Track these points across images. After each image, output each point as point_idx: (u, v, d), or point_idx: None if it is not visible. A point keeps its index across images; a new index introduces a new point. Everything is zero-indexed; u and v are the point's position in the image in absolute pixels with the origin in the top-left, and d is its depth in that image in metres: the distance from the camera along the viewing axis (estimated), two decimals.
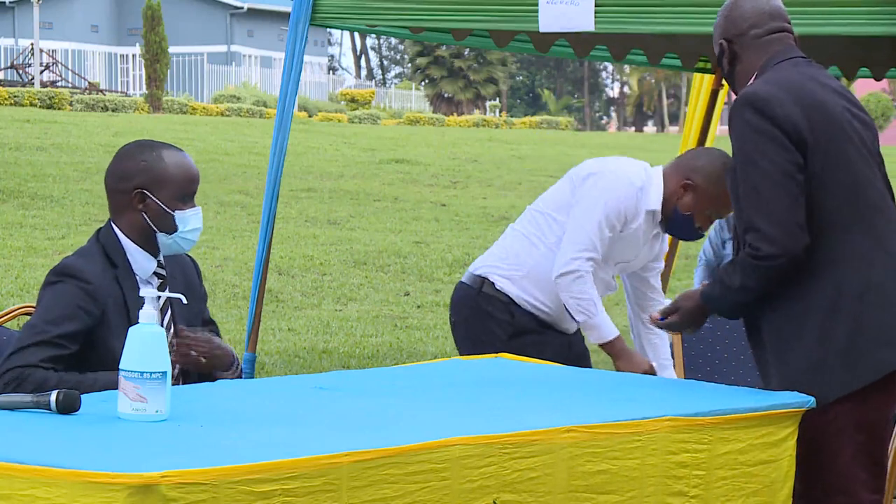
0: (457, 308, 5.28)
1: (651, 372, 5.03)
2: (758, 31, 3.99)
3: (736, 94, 4.03)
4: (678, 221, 5.09)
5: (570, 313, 5.09)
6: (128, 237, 3.97)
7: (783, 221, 3.76)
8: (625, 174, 5.11)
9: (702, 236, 5.24)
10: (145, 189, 3.94)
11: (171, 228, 3.96)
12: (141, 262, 3.98)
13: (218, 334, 4.20)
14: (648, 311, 5.16)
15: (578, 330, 5.35)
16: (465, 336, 5.23)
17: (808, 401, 3.77)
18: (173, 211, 3.95)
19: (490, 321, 5.14)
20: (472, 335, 5.20)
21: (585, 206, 5.03)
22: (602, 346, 5.07)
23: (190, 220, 3.98)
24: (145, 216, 3.95)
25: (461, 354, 5.17)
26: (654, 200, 5.08)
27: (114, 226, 3.99)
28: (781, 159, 3.77)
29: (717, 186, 4.94)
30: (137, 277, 3.97)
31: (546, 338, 5.16)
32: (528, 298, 5.15)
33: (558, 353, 5.11)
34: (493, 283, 5.15)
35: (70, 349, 3.81)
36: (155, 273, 4.01)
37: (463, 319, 5.25)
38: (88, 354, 3.85)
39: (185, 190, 3.97)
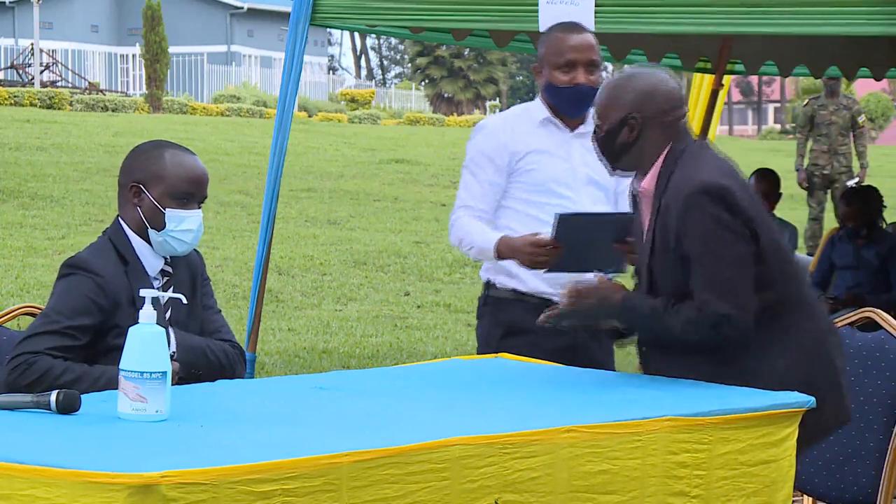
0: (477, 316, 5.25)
1: (536, 243, 4.66)
2: (672, 116, 4.14)
3: (616, 168, 4.21)
4: (550, 97, 4.94)
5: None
6: (134, 233, 4.01)
7: (746, 308, 3.94)
8: (484, 123, 5.05)
9: (581, 90, 4.84)
10: (141, 184, 3.99)
11: (161, 225, 3.98)
12: (149, 259, 4.02)
13: (218, 310, 4.22)
14: None
15: (596, 339, 4.99)
16: (479, 344, 5.17)
17: (808, 401, 3.77)
18: (165, 208, 3.97)
19: (490, 321, 5.07)
20: (479, 337, 5.16)
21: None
22: (499, 259, 4.84)
23: (183, 221, 3.99)
24: (140, 211, 3.98)
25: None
26: (539, 112, 4.97)
27: (121, 221, 4.03)
28: (745, 251, 3.97)
29: (544, 44, 4.94)
30: (149, 275, 4.00)
31: (538, 339, 4.87)
32: (530, 281, 4.95)
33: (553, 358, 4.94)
34: (494, 284, 5.06)
35: (80, 340, 3.84)
36: (162, 271, 4.04)
37: (477, 328, 5.20)
38: (97, 347, 3.87)
39: (179, 189, 3.99)
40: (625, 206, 4.76)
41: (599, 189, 4.98)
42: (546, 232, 4.69)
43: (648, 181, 4.14)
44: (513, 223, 4.91)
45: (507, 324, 5.00)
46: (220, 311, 4.26)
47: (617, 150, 4.17)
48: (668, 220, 4.02)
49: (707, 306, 3.94)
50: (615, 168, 4.25)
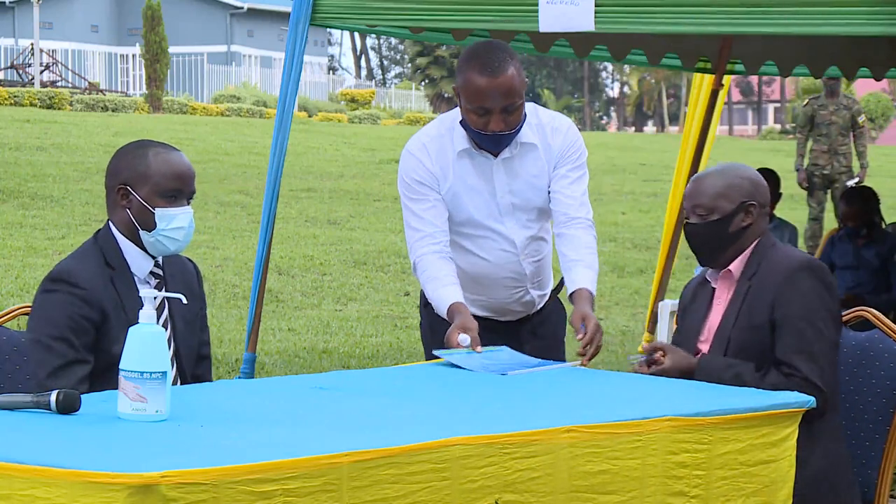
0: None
1: (468, 331, 4.36)
2: (769, 207, 4.43)
3: (715, 263, 4.32)
4: (467, 132, 4.62)
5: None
6: (123, 235, 3.98)
7: (829, 385, 4.12)
8: (407, 150, 4.73)
9: (495, 137, 4.55)
10: (128, 185, 3.95)
11: (151, 226, 3.95)
12: (138, 261, 3.98)
13: (208, 343, 4.21)
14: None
15: (544, 344, 4.91)
16: (423, 342, 5.05)
17: (808, 401, 3.78)
18: (154, 208, 3.94)
19: (431, 336, 4.90)
20: (425, 344, 5.01)
21: None
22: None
23: (174, 219, 3.95)
24: (129, 213, 3.95)
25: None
26: (461, 140, 4.66)
27: (111, 225, 4.00)
28: (836, 334, 4.20)
29: (460, 78, 4.57)
30: (136, 278, 3.97)
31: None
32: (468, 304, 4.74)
33: None
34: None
35: (90, 360, 3.82)
36: (152, 272, 4.01)
37: (420, 324, 5.08)
38: (99, 362, 3.85)
39: (166, 187, 3.94)
40: (576, 220, 4.68)
41: (524, 212, 4.74)
42: (482, 261, 4.71)
43: (736, 266, 4.30)
44: (456, 254, 4.74)
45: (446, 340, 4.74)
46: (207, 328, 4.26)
47: (725, 239, 4.30)
48: (760, 295, 4.19)
49: (797, 371, 4.08)
50: (714, 264, 4.35)
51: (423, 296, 4.92)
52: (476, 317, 4.63)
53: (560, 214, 4.70)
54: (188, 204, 4.01)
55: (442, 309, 4.56)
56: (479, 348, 4.31)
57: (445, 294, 4.56)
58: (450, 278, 4.61)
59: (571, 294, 4.55)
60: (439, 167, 4.67)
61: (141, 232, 3.95)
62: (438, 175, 4.67)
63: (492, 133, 4.56)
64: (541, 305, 4.87)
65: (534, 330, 4.82)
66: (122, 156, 4.02)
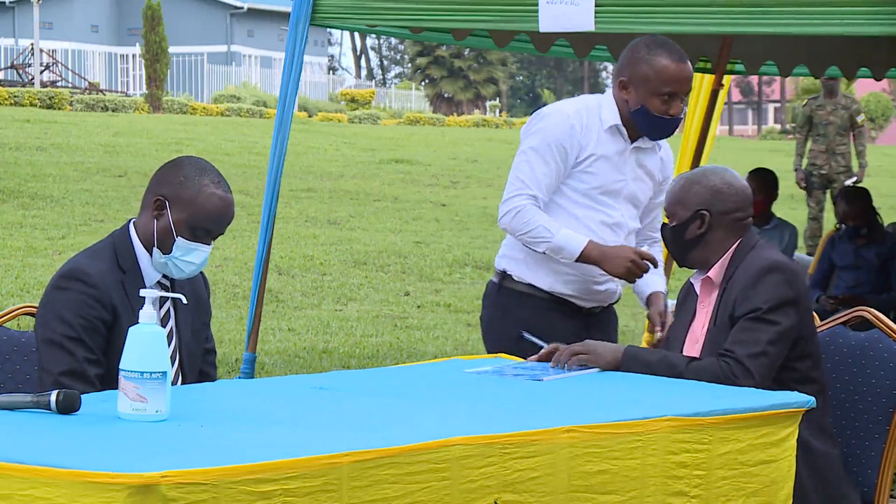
0: (482, 303, 5.17)
1: (635, 258, 4.79)
2: (741, 215, 4.38)
3: (686, 262, 4.42)
4: (638, 119, 4.85)
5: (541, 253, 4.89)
6: (139, 240, 3.96)
7: (763, 377, 4.10)
8: (556, 110, 4.93)
9: (674, 121, 4.82)
10: (167, 201, 3.93)
11: (167, 249, 3.93)
12: (148, 269, 3.97)
13: (214, 351, 4.21)
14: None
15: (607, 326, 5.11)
16: (486, 333, 5.11)
17: (808, 401, 3.78)
18: (177, 235, 3.92)
19: (503, 315, 5.01)
20: (492, 331, 5.08)
21: (518, 153, 4.92)
22: (579, 260, 4.83)
23: (190, 253, 3.94)
24: (154, 224, 3.94)
25: (487, 350, 5.02)
26: (610, 116, 4.87)
27: (131, 227, 3.99)
28: (790, 330, 4.17)
29: (647, 66, 4.80)
30: (146, 285, 3.96)
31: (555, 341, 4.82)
32: (548, 279, 4.94)
33: None
34: (511, 276, 5.00)
35: (104, 362, 3.81)
36: (159, 282, 4.00)
37: (484, 316, 5.13)
38: (112, 360, 3.85)
39: (200, 225, 3.93)
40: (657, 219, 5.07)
41: (636, 206, 5.02)
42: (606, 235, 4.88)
43: (716, 272, 4.34)
44: (556, 219, 4.87)
45: (524, 322, 4.89)
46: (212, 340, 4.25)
47: (685, 244, 4.37)
48: (731, 294, 4.23)
49: (731, 353, 4.10)
50: (684, 262, 4.43)
51: (497, 284, 5.03)
52: (555, 298, 4.93)
53: (649, 237, 5.11)
54: (211, 243, 3.98)
55: (576, 245, 4.79)
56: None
57: (572, 234, 4.81)
58: (569, 230, 4.84)
59: (649, 296, 4.94)
60: (586, 134, 4.87)
61: (154, 248, 3.94)
62: (583, 143, 4.86)
63: (671, 117, 4.80)
64: (611, 301, 5.07)
65: (599, 326, 5.01)
66: (177, 170, 3.97)
